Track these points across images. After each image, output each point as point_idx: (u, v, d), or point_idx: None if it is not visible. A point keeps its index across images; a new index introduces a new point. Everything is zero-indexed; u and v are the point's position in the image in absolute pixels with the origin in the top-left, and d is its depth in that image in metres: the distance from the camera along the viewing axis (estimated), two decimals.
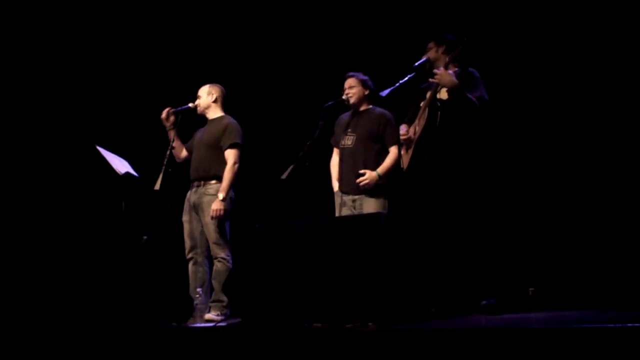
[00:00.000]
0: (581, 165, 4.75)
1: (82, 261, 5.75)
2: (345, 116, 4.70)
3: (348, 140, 4.57)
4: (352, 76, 4.62)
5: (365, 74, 4.66)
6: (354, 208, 4.47)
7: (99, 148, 4.82)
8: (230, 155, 4.68)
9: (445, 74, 3.99)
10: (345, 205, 4.51)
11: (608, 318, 3.06)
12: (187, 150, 4.95)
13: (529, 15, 4.94)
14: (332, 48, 5.64)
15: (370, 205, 4.43)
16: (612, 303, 3.91)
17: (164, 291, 4.50)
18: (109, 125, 5.92)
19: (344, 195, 4.53)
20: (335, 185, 4.64)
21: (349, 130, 4.59)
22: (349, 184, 4.49)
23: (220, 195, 4.59)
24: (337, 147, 4.69)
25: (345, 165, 4.55)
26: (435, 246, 4.02)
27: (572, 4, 4.81)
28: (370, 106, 4.64)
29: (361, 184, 4.39)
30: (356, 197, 4.47)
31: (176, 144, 4.88)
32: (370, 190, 4.43)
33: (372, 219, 3.65)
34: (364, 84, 4.60)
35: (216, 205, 4.57)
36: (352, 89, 4.58)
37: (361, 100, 4.60)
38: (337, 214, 4.56)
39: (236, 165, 4.68)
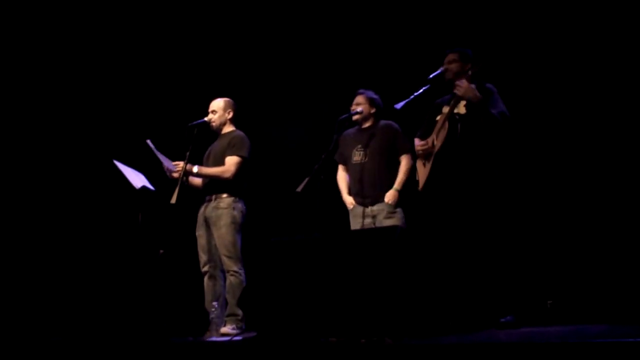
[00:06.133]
0: (597, 181, 4.71)
1: (99, 274, 5.78)
2: (350, 133, 4.74)
3: (358, 157, 4.61)
4: (360, 94, 4.68)
5: (376, 90, 4.71)
6: (374, 223, 4.50)
7: (116, 162, 4.84)
8: (229, 160, 4.63)
9: (469, 88, 3.99)
10: (367, 217, 4.52)
11: (628, 332, 3.02)
12: None
13: (544, 27, 4.92)
14: (346, 61, 5.66)
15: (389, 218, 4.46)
16: (632, 317, 3.85)
17: (180, 305, 4.50)
18: (126, 139, 5.96)
19: (365, 208, 4.55)
20: (348, 199, 4.66)
21: (359, 146, 4.63)
22: (368, 197, 4.53)
23: (195, 169, 4.59)
24: (345, 164, 4.72)
25: (359, 180, 4.57)
26: (453, 259, 4.00)
27: (584, 16, 4.80)
28: (375, 122, 4.68)
29: (387, 200, 4.47)
30: (375, 208, 4.51)
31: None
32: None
33: (388, 232, 3.63)
34: (370, 102, 4.65)
35: (181, 165, 4.54)
36: (358, 106, 4.65)
37: (366, 117, 4.66)
38: (357, 228, 4.56)
39: (230, 171, 4.60)
